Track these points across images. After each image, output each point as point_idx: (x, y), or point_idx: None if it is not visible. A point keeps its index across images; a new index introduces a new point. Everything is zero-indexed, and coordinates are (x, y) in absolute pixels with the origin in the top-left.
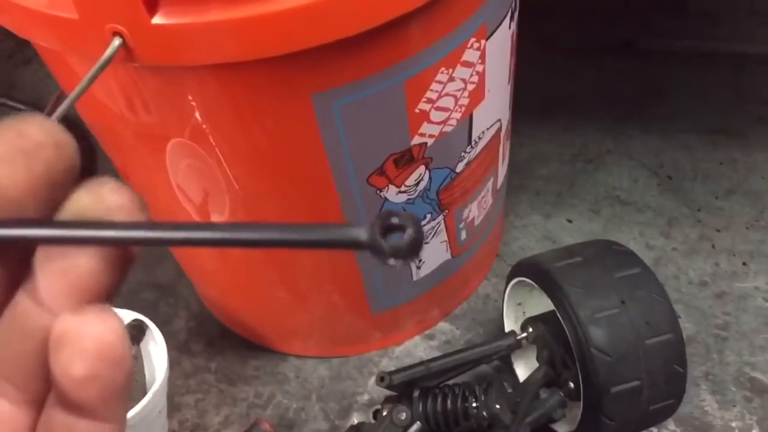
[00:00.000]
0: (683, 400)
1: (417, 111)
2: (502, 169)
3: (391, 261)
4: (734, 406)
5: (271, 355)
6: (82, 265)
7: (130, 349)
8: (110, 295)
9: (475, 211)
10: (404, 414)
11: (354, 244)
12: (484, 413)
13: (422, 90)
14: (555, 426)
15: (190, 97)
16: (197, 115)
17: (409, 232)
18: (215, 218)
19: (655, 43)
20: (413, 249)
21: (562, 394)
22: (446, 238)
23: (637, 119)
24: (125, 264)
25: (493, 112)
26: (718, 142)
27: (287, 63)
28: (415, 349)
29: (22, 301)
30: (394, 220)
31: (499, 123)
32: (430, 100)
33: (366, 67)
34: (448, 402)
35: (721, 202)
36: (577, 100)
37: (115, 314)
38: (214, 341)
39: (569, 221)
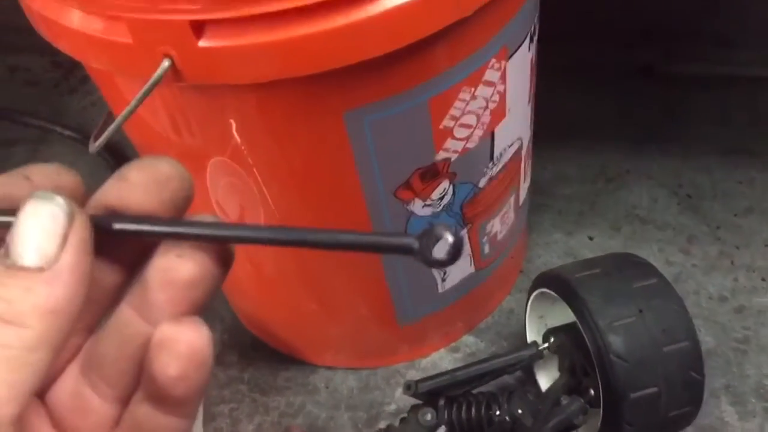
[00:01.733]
0: (704, 411)
1: (441, 127)
2: (524, 187)
3: (437, 263)
4: (754, 417)
5: (302, 366)
6: (185, 275)
7: (213, 355)
8: (206, 302)
9: (497, 226)
10: (429, 415)
11: (406, 250)
12: (507, 418)
13: (446, 108)
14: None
15: (230, 115)
16: (236, 132)
17: (452, 239)
18: None
19: (673, 68)
20: (455, 253)
21: (582, 401)
22: (470, 251)
23: (656, 141)
24: (222, 269)
25: (514, 130)
26: (737, 163)
27: (321, 82)
28: (441, 361)
29: (124, 310)
30: (439, 230)
31: (520, 141)
32: (454, 118)
33: (394, 85)
34: (473, 410)
35: (739, 219)
36: (598, 123)
37: (204, 325)
38: (247, 353)
39: (590, 238)
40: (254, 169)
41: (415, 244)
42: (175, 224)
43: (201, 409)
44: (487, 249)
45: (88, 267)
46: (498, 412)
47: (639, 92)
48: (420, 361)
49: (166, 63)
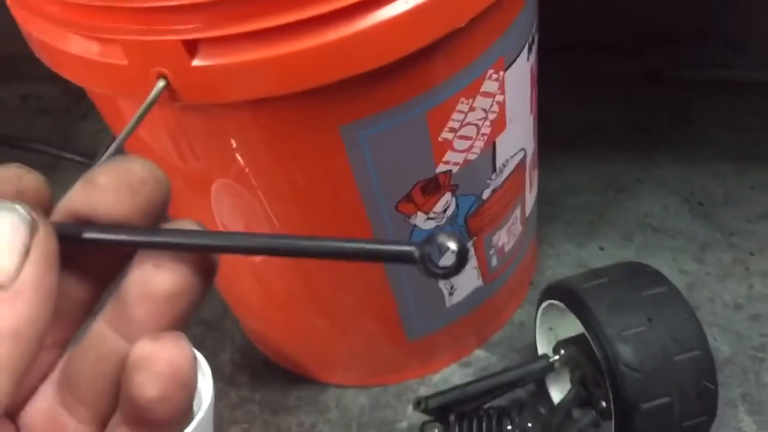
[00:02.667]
0: (721, 421)
1: (440, 139)
2: (530, 197)
3: (440, 273)
4: None
5: (312, 385)
6: (164, 287)
7: (196, 374)
8: (188, 317)
9: (504, 238)
10: (437, 430)
11: (406, 258)
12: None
13: (444, 119)
14: None
15: (229, 134)
16: (237, 152)
17: (455, 247)
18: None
19: (681, 73)
20: (460, 263)
21: (594, 413)
22: (477, 264)
23: (666, 148)
24: (204, 281)
25: (516, 141)
26: (749, 168)
27: (316, 97)
28: (452, 376)
29: (98, 327)
30: (442, 237)
31: (523, 152)
32: (452, 129)
33: (388, 98)
34: (484, 425)
35: (753, 226)
36: (606, 132)
37: (187, 341)
38: (258, 373)
39: (601, 249)
40: (257, 190)
41: (416, 252)
42: (150, 233)
43: (211, 429)
44: (494, 261)
45: (54, 282)
46: (509, 427)
47: (648, 99)
48: (431, 377)
49: (161, 83)
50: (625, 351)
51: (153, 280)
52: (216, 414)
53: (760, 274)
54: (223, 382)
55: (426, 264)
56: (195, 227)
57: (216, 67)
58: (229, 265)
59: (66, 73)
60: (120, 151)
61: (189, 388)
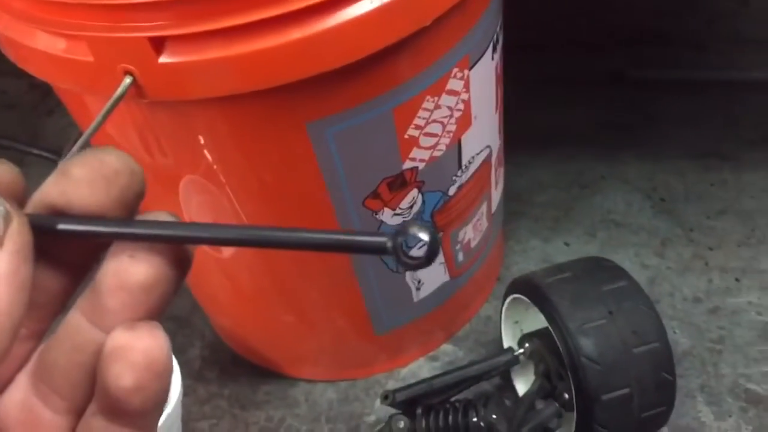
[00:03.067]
0: (680, 411)
1: (406, 137)
2: (496, 194)
3: (412, 263)
4: (730, 416)
5: (281, 380)
6: (139, 277)
7: (171, 364)
8: (163, 307)
9: (470, 233)
10: (402, 423)
11: (379, 250)
12: (482, 424)
13: (410, 117)
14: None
15: (197, 131)
16: (205, 148)
17: (427, 238)
18: (225, 251)
19: (645, 73)
20: (431, 252)
21: (557, 405)
22: (444, 260)
23: (630, 146)
24: (179, 272)
25: (482, 138)
26: (709, 166)
27: (282, 94)
28: (420, 370)
29: (74, 317)
30: (414, 228)
31: (488, 149)
32: (418, 126)
33: (354, 96)
34: (450, 417)
35: (713, 221)
36: (572, 130)
37: (162, 331)
38: (227, 368)
39: (567, 244)
40: (226, 186)
41: (389, 243)
42: (125, 224)
43: (179, 424)
44: (461, 257)
45: (28, 274)
46: (474, 419)
47: (613, 98)
48: (399, 370)
49: (127, 80)
50: (586, 344)
51: (128, 271)
52: (184, 409)
53: (719, 268)
54: (191, 378)
55: (398, 254)
56: (170, 218)
57: (182, 65)
58: (198, 261)
59: (32, 69)
60: (87, 147)
61: (164, 378)
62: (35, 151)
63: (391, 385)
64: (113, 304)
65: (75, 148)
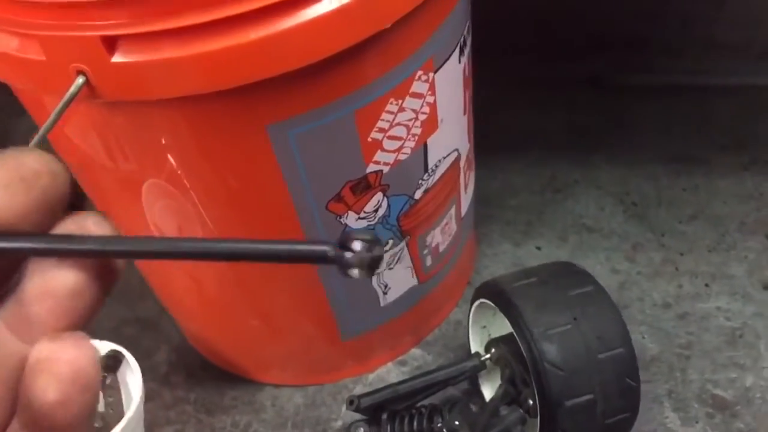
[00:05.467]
0: (646, 417)
1: (370, 140)
2: (466, 197)
3: (355, 272)
4: (697, 422)
5: (248, 385)
6: (66, 283)
7: (99, 376)
8: (89, 317)
9: (439, 238)
10: (362, 429)
11: (320, 258)
12: (445, 430)
13: (374, 119)
14: None
15: (157, 133)
16: (167, 151)
17: (370, 246)
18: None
19: (620, 78)
20: (374, 260)
21: (521, 411)
22: (411, 264)
23: (603, 151)
24: (106, 283)
25: (449, 141)
26: (682, 171)
27: (241, 95)
28: (388, 375)
29: None
30: (357, 236)
31: (456, 152)
32: (382, 130)
33: (315, 97)
34: (414, 423)
35: (684, 226)
36: (546, 134)
37: (89, 341)
38: (194, 373)
39: (538, 248)
40: (190, 191)
41: (331, 252)
42: (46, 239)
43: (141, 428)
44: (429, 261)
45: None
46: (440, 424)
47: (587, 103)
48: (367, 375)
49: (80, 80)
50: (550, 349)
51: (54, 277)
52: (149, 414)
53: (689, 274)
54: (157, 382)
55: (341, 263)
56: (100, 221)
57: (136, 64)
58: (161, 265)
59: None
60: (48, 150)
61: (91, 392)
62: None
63: (359, 390)
64: (38, 311)
65: (29, 147)
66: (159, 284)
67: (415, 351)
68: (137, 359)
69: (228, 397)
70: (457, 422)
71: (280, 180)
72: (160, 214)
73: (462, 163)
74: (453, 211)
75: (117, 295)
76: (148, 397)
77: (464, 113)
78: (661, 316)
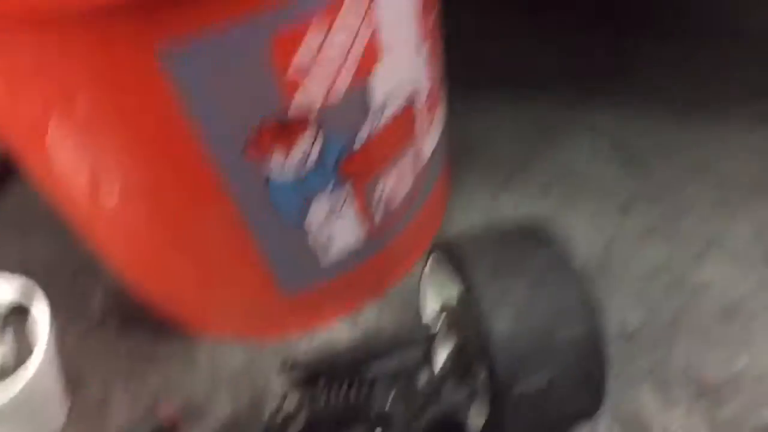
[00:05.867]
0: (623, 398)
1: (291, 71)
2: (429, 142)
3: None
4: (678, 406)
5: (186, 339)
6: None
7: None
8: None
9: (392, 186)
10: (296, 398)
11: None
12: (377, 410)
13: (294, 48)
14: (468, 419)
15: (51, 63)
16: (59, 82)
17: None
18: (108, 201)
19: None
20: None
21: (468, 390)
22: (358, 215)
23: (599, 95)
24: None
25: (400, 76)
26: (688, 121)
27: (128, 13)
28: (339, 334)
29: None
30: None
31: (412, 89)
32: (304, 62)
33: (215, 15)
34: (350, 396)
35: (684, 183)
36: (538, 69)
37: None
38: (129, 320)
39: (517, 202)
40: (97, 132)
41: None
42: None
43: (55, 371)
44: (381, 213)
45: None
46: (373, 402)
47: (590, 35)
48: (315, 335)
49: None
50: (500, 325)
51: None
52: (79, 359)
53: (686, 236)
54: (91, 327)
55: None
56: None
57: None
58: (83, 213)
59: None
60: None
61: None
62: None
63: (304, 348)
64: None
65: None
66: (85, 233)
67: (370, 310)
68: (71, 303)
69: (162, 349)
70: (390, 401)
71: (179, 117)
72: (70, 165)
73: (418, 104)
74: (410, 159)
75: (54, 235)
76: (79, 345)
77: (423, 43)
78: (648, 283)
